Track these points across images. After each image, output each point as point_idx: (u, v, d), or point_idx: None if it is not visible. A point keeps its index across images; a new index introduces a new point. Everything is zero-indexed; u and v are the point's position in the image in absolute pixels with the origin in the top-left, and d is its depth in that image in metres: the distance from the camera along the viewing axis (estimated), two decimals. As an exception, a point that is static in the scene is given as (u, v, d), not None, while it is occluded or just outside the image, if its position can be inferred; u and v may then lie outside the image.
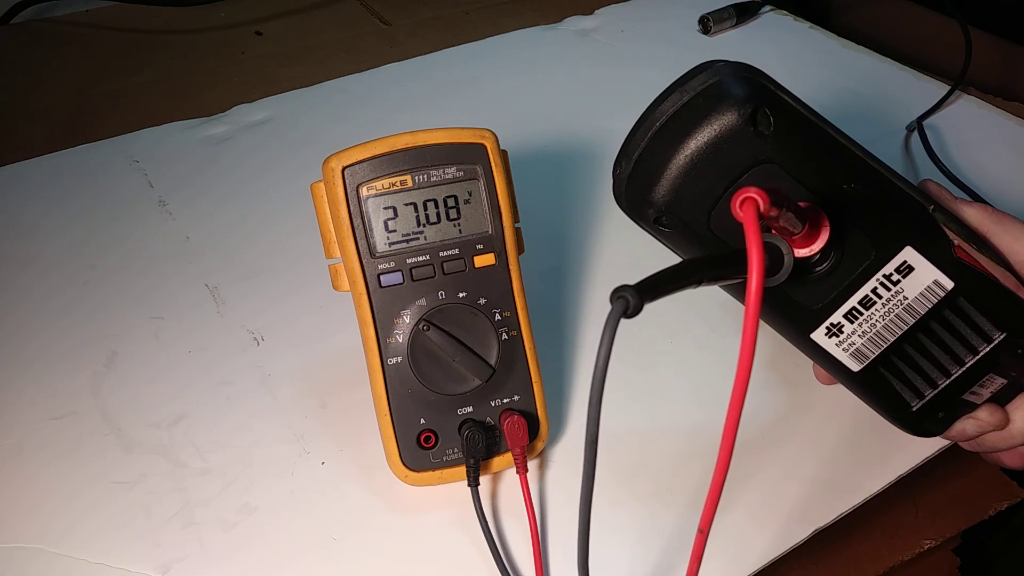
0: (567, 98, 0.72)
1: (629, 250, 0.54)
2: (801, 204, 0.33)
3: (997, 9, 0.81)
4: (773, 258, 0.32)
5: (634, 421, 0.45)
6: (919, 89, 0.72)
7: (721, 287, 0.35)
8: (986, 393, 0.38)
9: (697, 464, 0.43)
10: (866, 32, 0.87)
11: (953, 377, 0.37)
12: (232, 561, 0.39)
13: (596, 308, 0.52)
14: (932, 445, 0.43)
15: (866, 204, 0.35)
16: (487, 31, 0.83)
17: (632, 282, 0.26)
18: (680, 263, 0.29)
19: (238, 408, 0.46)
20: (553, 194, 0.61)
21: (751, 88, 0.34)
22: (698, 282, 0.29)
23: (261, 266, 0.56)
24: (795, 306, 0.36)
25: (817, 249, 0.33)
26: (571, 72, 0.76)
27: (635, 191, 0.36)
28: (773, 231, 0.33)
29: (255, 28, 0.87)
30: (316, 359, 0.49)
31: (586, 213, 0.59)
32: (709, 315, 0.51)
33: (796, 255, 0.33)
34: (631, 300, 0.25)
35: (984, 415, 0.38)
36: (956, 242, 0.35)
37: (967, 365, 0.36)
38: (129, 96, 0.75)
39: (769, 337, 0.38)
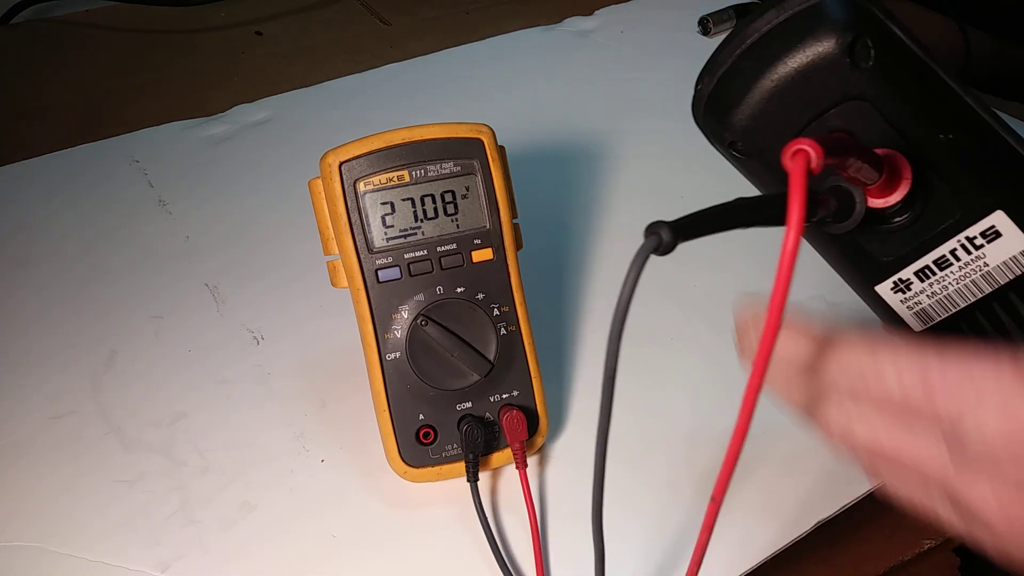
0: (566, 99, 0.72)
1: (629, 250, 0.54)
2: (879, 151, 0.30)
3: (997, 9, 0.81)
4: (843, 204, 0.30)
5: (640, 409, 0.45)
6: (919, 87, 0.72)
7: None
8: None
9: (706, 449, 0.43)
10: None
11: None
12: (232, 559, 0.39)
13: (595, 305, 0.51)
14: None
15: (961, 158, 0.32)
16: (487, 31, 0.83)
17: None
18: (722, 204, 0.26)
19: (238, 407, 0.46)
20: (553, 194, 0.61)
21: (856, 14, 0.31)
22: (742, 224, 0.26)
23: (261, 266, 0.56)
24: (864, 255, 0.34)
25: (894, 201, 0.31)
26: (571, 72, 0.76)
27: (714, 111, 0.34)
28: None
29: (255, 28, 0.87)
30: (316, 357, 0.49)
31: (586, 213, 0.59)
32: (711, 312, 0.51)
33: (870, 204, 0.31)
34: (664, 237, 0.23)
35: None
36: None
37: None
38: (129, 96, 0.75)
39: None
